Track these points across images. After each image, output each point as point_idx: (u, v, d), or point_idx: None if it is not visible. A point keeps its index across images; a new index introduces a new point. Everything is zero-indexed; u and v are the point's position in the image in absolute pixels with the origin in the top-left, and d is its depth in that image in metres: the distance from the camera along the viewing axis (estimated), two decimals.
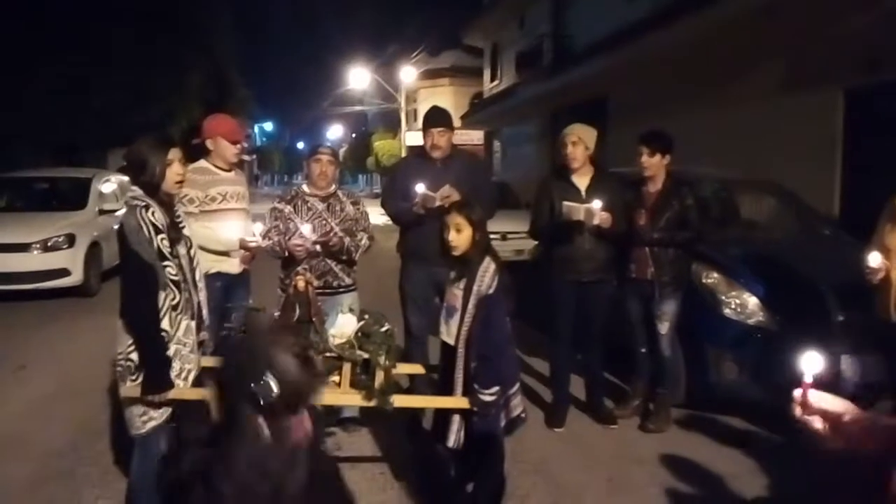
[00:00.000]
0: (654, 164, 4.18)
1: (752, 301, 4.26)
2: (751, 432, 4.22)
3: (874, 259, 3.24)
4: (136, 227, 2.59)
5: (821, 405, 1.17)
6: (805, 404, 1.17)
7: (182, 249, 2.79)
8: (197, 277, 2.90)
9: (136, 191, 2.71)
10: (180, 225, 2.84)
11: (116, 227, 2.75)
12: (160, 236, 2.63)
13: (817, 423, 1.16)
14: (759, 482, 3.57)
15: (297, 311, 3.29)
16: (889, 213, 3.39)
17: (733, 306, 4.29)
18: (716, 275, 4.42)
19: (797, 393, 1.20)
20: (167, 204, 2.76)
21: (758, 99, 8.64)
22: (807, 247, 5.17)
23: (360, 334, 3.01)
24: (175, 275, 2.68)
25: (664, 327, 4.18)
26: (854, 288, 3.80)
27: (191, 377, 2.83)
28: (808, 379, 1.19)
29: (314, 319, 3.28)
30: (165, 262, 2.64)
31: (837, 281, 4.23)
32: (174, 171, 2.73)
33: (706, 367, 4.32)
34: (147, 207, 2.63)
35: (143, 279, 2.60)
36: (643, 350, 4.38)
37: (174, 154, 2.73)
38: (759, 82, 8.65)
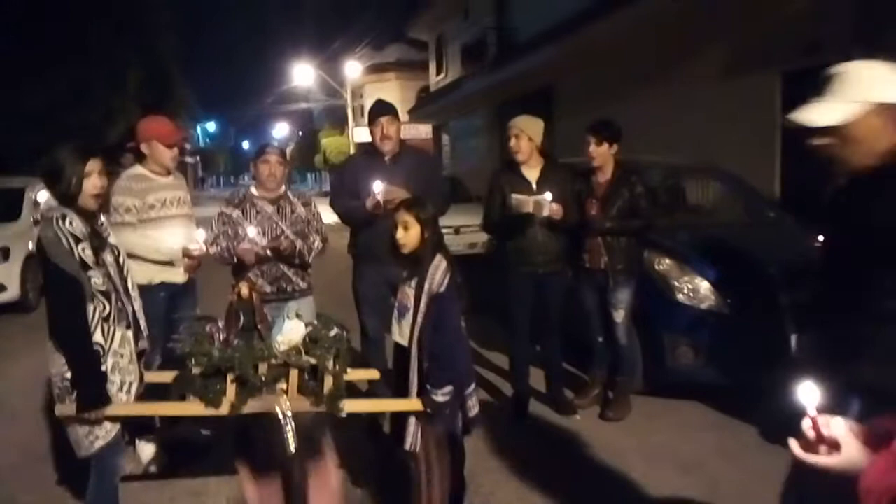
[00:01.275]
0: (602, 154, 4.19)
1: (704, 285, 4.32)
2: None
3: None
4: (54, 240, 2.47)
5: (832, 433, 1.13)
6: (820, 437, 1.12)
7: (109, 258, 2.67)
8: (130, 286, 2.78)
9: (52, 202, 2.59)
10: (104, 234, 2.72)
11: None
12: (81, 246, 2.51)
13: (833, 454, 1.11)
14: (720, 465, 3.62)
15: (242, 320, 3.18)
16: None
17: (686, 291, 4.34)
18: (668, 261, 4.47)
19: (807, 427, 1.15)
20: (86, 213, 2.63)
21: (700, 84, 8.79)
22: (753, 230, 5.28)
23: (307, 339, 2.92)
24: (102, 285, 2.56)
25: (619, 315, 4.20)
26: (800, 268, 3.89)
27: (133, 389, 2.72)
28: (812, 412, 1.14)
29: (259, 327, 3.17)
30: (90, 272, 2.53)
31: (784, 262, 4.33)
32: (92, 182, 2.59)
33: (662, 353, 4.36)
34: (63, 217, 2.50)
35: (68, 292, 2.48)
36: (600, 339, 4.40)
37: (93, 165, 2.59)
38: (702, 68, 8.80)
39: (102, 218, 2.80)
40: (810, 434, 1.13)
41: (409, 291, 2.81)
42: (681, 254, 4.51)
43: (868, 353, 1.81)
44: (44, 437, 4.12)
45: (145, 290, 3.05)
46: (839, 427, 1.14)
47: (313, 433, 1.21)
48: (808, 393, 1.13)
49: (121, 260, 2.77)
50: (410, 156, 4.18)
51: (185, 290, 3.86)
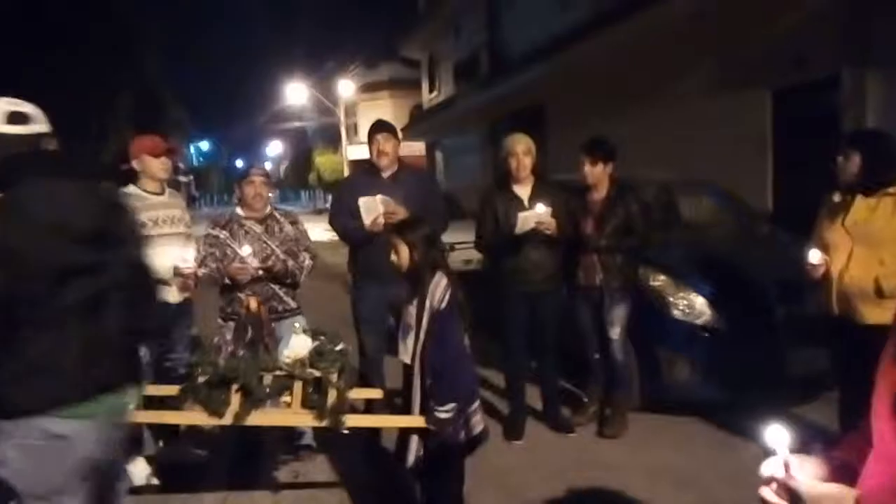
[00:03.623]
0: (596, 173, 4.21)
1: (700, 301, 4.34)
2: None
3: (814, 255, 3.33)
4: None
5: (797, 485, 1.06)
6: (786, 487, 1.06)
7: None
8: None
9: None
10: None
11: None
12: None
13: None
14: (718, 481, 3.61)
15: (250, 333, 3.21)
16: (826, 210, 3.50)
17: (681, 307, 4.35)
18: (663, 277, 4.48)
19: (775, 471, 1.08)
20: None
21: (692, 101, 8.87)
22: (746, 245, 5.31)
23: (313, 353, 2.94)
24: None
25: (615, 332, 4.20)
26: (794, 283, 3.92)
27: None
28: (783, 454, 1.07)
29: (266, 340, 3.20)
30: None
31: (778, 277, 4.36)
32: None
33: (658, 370, 4.37)
34: None
35: None
36: (596, 356, 4.40)
37: None
38: (693, 85, 8.89)
39: None
40: (780, 480, 1.07)
41: (411, 310, 2.83)
42: (676, 270, 4.53)
43: None
44: None
45: None
46: (805, 479, 1.09)
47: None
48: (776, 435, 1.07)
49: None
50: (409, 174, 4.21)
51: (180, 311, 3.84)
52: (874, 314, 3.18)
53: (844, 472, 1.12)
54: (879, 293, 3.17)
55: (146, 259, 2.33)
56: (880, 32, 6.29)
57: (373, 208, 3.80)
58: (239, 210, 3.89)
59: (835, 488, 1.06)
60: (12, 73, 14.25)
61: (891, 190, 3.23)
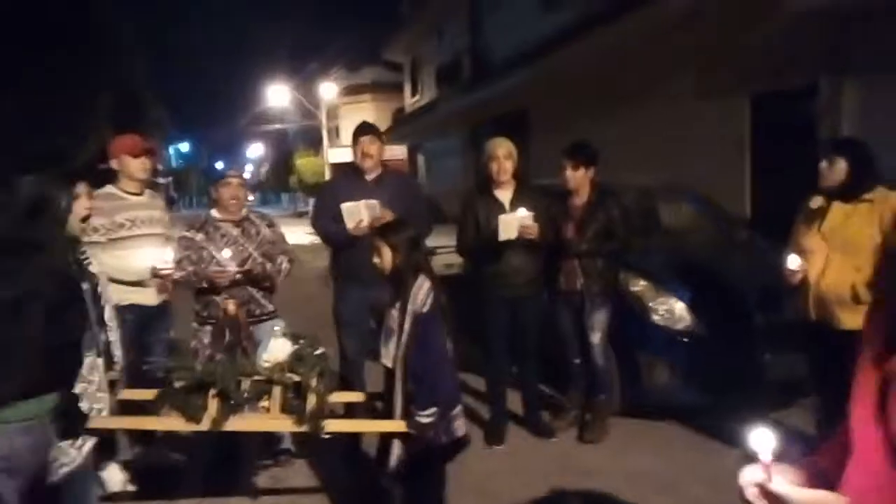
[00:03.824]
0: (577, 178, 4.23)
1: (679, 306, 4.37)
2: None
3: (793, 261, 3.36)
4: None
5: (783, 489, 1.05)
6: (766, 492, 1.05)
7: (85, 285, 2.63)
8: (106, 316, 2.74)
9: None
10: (84, 261, 2.68)
11: None
12: None
13: None
14: (697, 485, 3.63)
15: (228, 336, 3.18)
16: (804, 216, 3.54)
17: (661, 312, 4.37)
18: (643, 282, 4.51)
19: (754, 475, 1.06)
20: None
21: (672, 106, 8.94)
22: (725, 251, 5.36)
23: (293, 357, 2.91)
24: None
25: (596, 337, 4.22)
26: (772, 289, 3.96)
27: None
28: (766, 458, 1.06)
29: (245, 344, 3.17)
30: None
31: (756, 283, 4.40)
32: (81, 205, 2.58)
33: (638, 374, 4.39)
34: None
35: None
36: (577, 361, 4.41)
37: (80, 188, 2.58)
38: (674, 90, 8.95)
39: (85, 246, 2.77)
40: (760, 482, 1.06)
41: (394, 313, 2.82)
42: (656, 275, 4.55)
43: None
44: None
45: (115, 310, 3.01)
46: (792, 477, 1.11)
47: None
48: (761, 438, 1.07)
49: (98, 289, 2.74)
50: (392, 177, 4.20)
51: (158, 313, 3.80)
52: (851, 320, 3.21)
53: (822, 479, 1.12)
54: (856, 299, 3.21)
55: (69, 266, 2.32)
56: (859, 42, 6.38)
57: (356, 213, 3.79)
58: (215, 212, 3.84)
59: (823, 494, 1.06)
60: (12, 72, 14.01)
61: (867, 196, 3.28)
